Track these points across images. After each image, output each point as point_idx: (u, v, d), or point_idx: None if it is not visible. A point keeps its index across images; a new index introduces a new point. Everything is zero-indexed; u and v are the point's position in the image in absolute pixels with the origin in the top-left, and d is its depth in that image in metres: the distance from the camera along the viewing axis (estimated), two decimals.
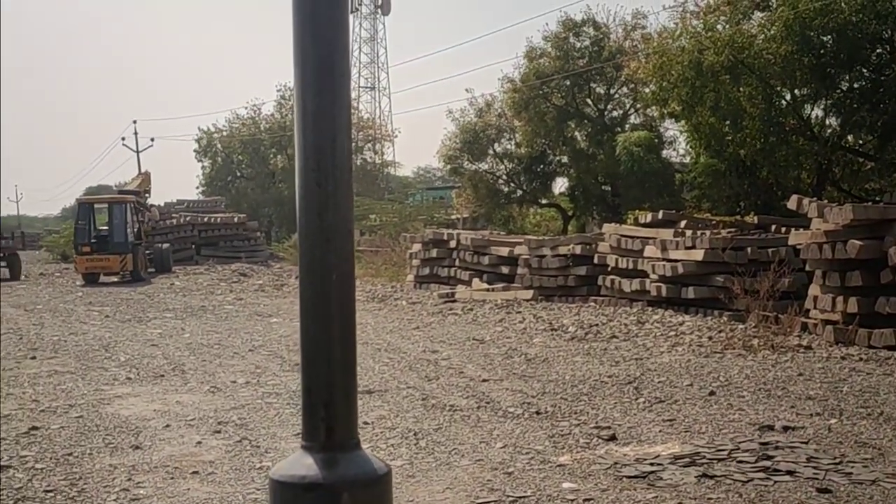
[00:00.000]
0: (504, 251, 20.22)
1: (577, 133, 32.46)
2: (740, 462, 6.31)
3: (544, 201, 35.88)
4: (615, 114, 32.66)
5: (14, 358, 12.23)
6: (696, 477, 5.98)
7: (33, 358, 12.20)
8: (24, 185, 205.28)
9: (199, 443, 7.34)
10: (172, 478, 6.35)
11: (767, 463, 6.24)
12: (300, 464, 1.61)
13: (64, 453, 7.05)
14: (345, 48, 1.76)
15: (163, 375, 10.64)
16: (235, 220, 37.19)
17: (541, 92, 30.83)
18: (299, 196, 1.68)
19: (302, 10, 1.72)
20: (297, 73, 1.75)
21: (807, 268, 12.93)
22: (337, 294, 1.63)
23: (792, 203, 13.80)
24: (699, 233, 15.66)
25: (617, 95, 32.41)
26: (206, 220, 36.68)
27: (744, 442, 6.89)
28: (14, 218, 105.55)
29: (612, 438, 7.15)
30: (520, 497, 5.72)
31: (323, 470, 1.59)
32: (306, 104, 1.73)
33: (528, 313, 16.28)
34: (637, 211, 21.38)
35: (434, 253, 22.91)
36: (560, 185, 35.64)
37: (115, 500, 5.86)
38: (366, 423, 7.60)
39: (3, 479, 6.32)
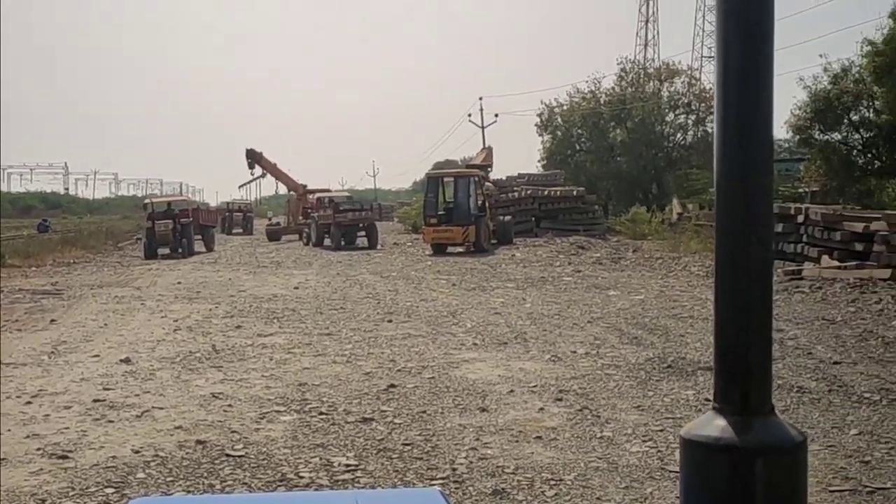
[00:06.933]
0: (859, 227, 18.82)
1: None
2: None
3: None
4: None
5: (373, 321, 13.26)
6: None
7: (390, 321, 13.16)
8: (380, 160, 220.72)
9: (542, 409, 7.57)
10: (517, 441, 6.62)
11: None
12: (712, 425, 1.58)
13: (419, 410, 7.58)
14: (769, 9, 1.69)
15: (506, 343, 11.05)
16: (574, 193, 37.56)
17: None
18: (717, 157, 1.64)
19: None
20: (720, 33, 1.70)
21: None
22: (754, 257, 1.59)
23: None
24: None
25: None
26: (545, 193, 37.39)
27: None
28: (371, 192, 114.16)
29: None
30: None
31: (737, 433, 1.55)
32: (728, 62, 1.70)
33: (885, 293, 15.06)
34: None
35: (780, 228, 21.81)
36: None
37: (464, 457, 6.21)
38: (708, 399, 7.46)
39: (368, 431, 6.91)
